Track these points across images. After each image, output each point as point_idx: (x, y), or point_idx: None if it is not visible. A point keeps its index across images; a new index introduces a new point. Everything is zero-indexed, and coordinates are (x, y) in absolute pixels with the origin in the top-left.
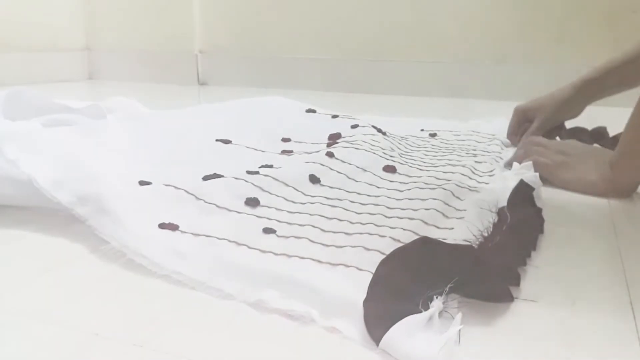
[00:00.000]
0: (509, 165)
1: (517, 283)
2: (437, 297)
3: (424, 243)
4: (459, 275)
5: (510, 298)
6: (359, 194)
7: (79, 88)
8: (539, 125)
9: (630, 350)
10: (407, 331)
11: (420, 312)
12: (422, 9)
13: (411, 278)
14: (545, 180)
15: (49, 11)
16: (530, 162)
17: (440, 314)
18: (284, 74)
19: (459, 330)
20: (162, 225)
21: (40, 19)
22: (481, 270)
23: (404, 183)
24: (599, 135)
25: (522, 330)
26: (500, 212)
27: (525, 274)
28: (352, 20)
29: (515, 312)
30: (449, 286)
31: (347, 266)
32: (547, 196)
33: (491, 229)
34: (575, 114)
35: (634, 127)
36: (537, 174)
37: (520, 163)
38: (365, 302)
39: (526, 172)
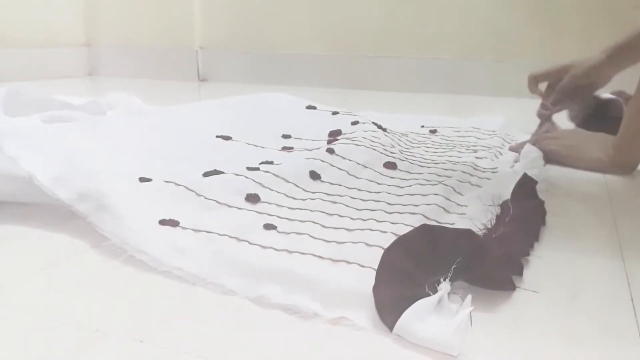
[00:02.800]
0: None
1: (520, 272)
2: (443, 280)
3: (426, 230)
4: (462, 258)
5: (512, 287)
6: (359, 190)
7: (79, 84)
8: (568, 82)
9: (630, 344)
10: (419, 315)
11: (429, 295)
12: (423, 4)
13: (416, 264)
14: (556, 163)
15: (49, 7)
16: (540, 155)
17: (448, 296)
18: (285, 70)
19: (470, 312)
20: (162, 222)
21: (40, 15)
22: (483, 254)
23: (405, 179)
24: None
25: (522, 320)
26: (503, 205)
27: (528, 264)
28: (353, 16)
29: (516, 301)
30: (453, 267)
31: (349, 263)
32: (554, 179)
33: (494, 221)
34: (604, 81)
35: (632, 115)
36: (542, 164)
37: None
38: (375, 288)
39: (533, 167)
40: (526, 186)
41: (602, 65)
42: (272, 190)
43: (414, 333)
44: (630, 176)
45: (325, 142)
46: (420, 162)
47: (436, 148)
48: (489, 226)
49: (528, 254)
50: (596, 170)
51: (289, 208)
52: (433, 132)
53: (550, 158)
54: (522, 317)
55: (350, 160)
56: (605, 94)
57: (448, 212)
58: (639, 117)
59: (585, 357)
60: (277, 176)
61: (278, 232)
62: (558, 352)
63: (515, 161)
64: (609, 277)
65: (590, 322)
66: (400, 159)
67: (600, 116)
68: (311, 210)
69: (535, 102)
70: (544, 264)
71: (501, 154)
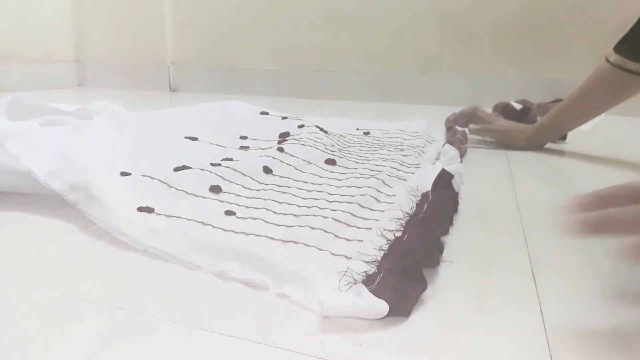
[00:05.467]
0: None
1: (441, 251)
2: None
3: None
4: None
5: (437, 263)
6: (305, 182)
7: (70, 94)
8: (496, 138)
9: (531, 309)
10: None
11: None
12: (358, 27)
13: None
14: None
15: (45, 29)
16: (457, 153)
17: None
18: (243, 82)
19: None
20: (140, 209)
21: (37, 36)
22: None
23: (343, 174)
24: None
25: (440, 289)
26: (424, 195)
27: (446, 243)
28: (300, 37)
29: (440, 272)
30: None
31: (296, 243)
32: (468, 173)
33: (415, 208)
34: (532, 148)
35: (558, 107)
36: (459, 161)
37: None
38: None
39: (451, 163)
40: (444, 179)
41: (532, 137)
42: (231, 182)
43: (342, 308)
44: (533, 165)
45: (276, 142)
46: (355, 159)
47: (369, 147)
48: (411, 212)
49: (447, 233)
50: (517, 148)
51: (245, 197)
52: (366, 133)
53: (490, 137)
54: (440, 287)
55: (297, 158)
56: (513, 102)
57: (379, 201)
58: (558, 109)
59: (492, 320)
60: (236, 170)
61: (237, 217)
62: (471, 315)
63: (436, 158)
64: (513, 252)
65: (497, 291)
66: (339, 156)
67: (521, 119)
68: (264, 199)
69: (450, 110)
70: (458, 243)
71: (424, 152)
